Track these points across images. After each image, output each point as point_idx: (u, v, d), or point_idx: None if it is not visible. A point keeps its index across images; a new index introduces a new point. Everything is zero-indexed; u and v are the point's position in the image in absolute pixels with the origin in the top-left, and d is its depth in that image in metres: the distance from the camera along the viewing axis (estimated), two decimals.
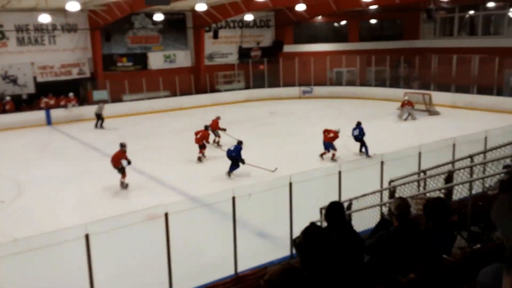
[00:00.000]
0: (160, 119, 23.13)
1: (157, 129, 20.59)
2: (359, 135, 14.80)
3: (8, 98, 22.70)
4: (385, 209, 7.58)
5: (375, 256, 4.01)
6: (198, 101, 27.03)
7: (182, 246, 7.45)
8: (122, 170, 11.92)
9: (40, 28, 23.63)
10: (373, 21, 30.05)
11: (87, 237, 5.65)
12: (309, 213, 7.49)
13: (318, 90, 27.04)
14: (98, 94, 24.73)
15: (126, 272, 7.56)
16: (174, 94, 27.02)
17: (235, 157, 12.78)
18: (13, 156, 16.43)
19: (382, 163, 8.91)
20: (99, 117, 21.54)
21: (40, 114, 22.75)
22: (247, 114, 23.64)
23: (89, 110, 23.08)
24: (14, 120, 21.95)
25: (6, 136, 20.18)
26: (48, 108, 23.11)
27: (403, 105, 20.86)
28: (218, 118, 17.40)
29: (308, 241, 3.00)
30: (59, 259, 7.18)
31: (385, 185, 8.34)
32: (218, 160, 14.55)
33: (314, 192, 8.58)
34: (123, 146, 12.28)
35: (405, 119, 20.62)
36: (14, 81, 23.55)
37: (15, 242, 6.40)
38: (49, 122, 22.85)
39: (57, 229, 7.14)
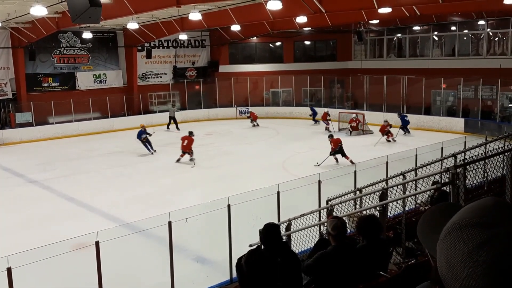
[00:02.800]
0: (90, 142, 22.09)
1: (87, 152, 19.61)
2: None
3: None
4: (323, 229, 7.55)
5: (315, 276, 3.98)
6: (131, 122, 26.13)
7: (115, 275, 6.97)
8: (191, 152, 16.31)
9: None
10: (307, 42, 30.89)
11: (9, 270, 5.09)
12: (248, 235, 7.29)
13: (254, 110, 27.17)
14: (21, 117, 23.26)
15: None
16: (105, 116, 26.01)
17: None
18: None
19: (319, 182, 8.94)
20: (173, 119, 25.17)
21: None
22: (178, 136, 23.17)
23: (13, 133, 21.59)
24: None
25: None
26: None
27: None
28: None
29: (249, 264, 2.85)
30: None
31: (323, 204, 8.35)
32: (151, 184, 14.08)
33: (254, 213, 8.42)
34: (192, 133, 16.95)
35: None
36: None
37: None
38: None
39: None
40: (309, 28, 27.01)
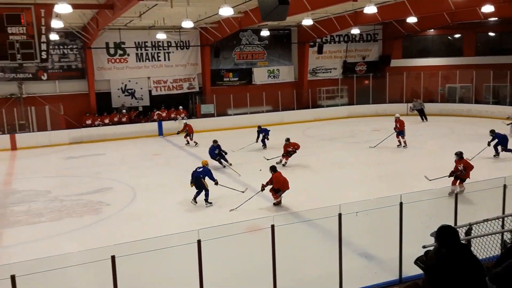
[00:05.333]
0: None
1: (258, 144, 20.87)
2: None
3: (124, 111, 24.65)
4: (509, 237, 6.83)
5: (504, 285, 3.67)
6: (299, 116, 27.06)
7: (284, 260, 7.37)
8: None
9: (156, 45, 25.45)
10: (491, 33, 27.88)
11: (199, 243, 5.82)
12: (420, 236, 6.99)
13: (427, 107, 25.62)
14: (205, 108, 25.89)
15: (232, 280, 7.62)
16: (276, 109, 27.35)
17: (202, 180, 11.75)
18: (128, 164, 17.68)
19: (504, 186, 8.08)
20: (422, 112, 24.89)
21: (153, 126, 24.34)
22: (348, 131, 23.11)
23: (197, 123, 24.21)
24: (130, 130, 23.73)
25: (122, 145, 21.87)
26: (160, 120, 24.67)
27: None
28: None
29: (439, 263, 2.78)
30: (171, 262, 7.44)
31: (508, 211, 7.54)
32: (317, 175, 14.39)
33: (424, 214, 8.02)
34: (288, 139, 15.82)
35: None
36: (132, 94, 25.54)
37: (133, 244, 6.77)
38: (160, 133, 24.33)
39: (166, 234, 7.47)
40: (495, 19, 24.29)
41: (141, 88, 25.71)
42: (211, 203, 11.69)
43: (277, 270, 6.38)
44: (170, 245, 6.14)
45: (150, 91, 25.91)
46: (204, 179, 11.72)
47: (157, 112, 24.95)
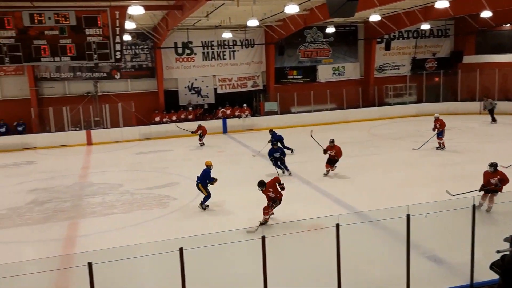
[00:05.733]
0: (325, 132, 23.21)
1: (322, 141, 20.66)
2: None
3: (190, 108, 25.34)
4: None
5: None
6: (365, 114, 26.50)
7: (348, 260, 7.28)
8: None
9: (222, 44, 25.94)
10: None
11: (263, 239, 5.87)
12: (493, 242, 6.64)
13: (503, 105, 24.14)
14: (269, 106, 26.03)
15: (295, 278, 7.64)
16: (341, 107, 26.96)
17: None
18: (193, 160, 18.18)
19: None
20: (491, 112, 23.24)
21: (217, 123, 24.84)
22: (417, 130, 22.29)
23: (260, 121, 24.41)
24: (195, 127, 24.33)
25: (188, 141, 22.50)
26: (224, 117, 25.13)
27: None
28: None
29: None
30: (235, 257, 7.57)
31: None
32: (384, 174, 14.04)
33: (497, 217, 7.60)
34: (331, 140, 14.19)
35: None
36: (198, 92, 26.23)
37: (199, 237, 6.98)
38: (225, 130, 24.79)
39: (230, 229, 7.59)
40: None
41: (207, 86, 26.33)
42: (205, 207, 11.47)
43: (341, 270, 6.32)
44: (235, 240, 6.27)
45: (215, 89, 26.47)
46: (201, 184, 11.53)
47: (222, 109, 25.43)
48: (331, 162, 14.06)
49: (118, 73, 24.63)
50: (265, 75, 26.96)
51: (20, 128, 22.83)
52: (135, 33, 23.45)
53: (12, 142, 22.03)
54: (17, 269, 7.18)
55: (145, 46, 24.83)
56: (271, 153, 14.55)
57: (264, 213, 9.94)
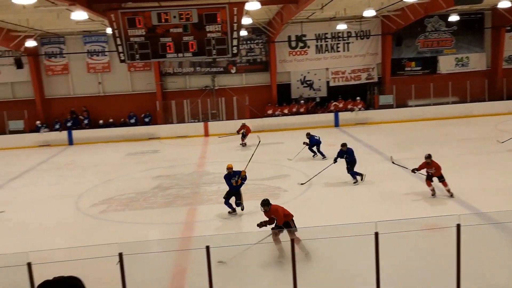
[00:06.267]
0: (446, 126, 21.81)
1: (442, 136, 19.46)
2: None
3: (302, 101, 25.44)
4: None
5: None
6: (491, 108, 24.33)
7: (467, 263, 6.81)
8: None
9: (336, 36, 25.60)
10: None
11: (376, 235, 5.77)
12: None
13: None
14: (383, 99, 25.17)
15: (409, 278, 7.36)
16: (464, 100, 25.09)
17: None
18: (304, 153, 18.27)
19: None
20: None
21: (329, 116, 24.63)
22: None
23: (375, 114, 23.68)
24: (307, 120, 24.41)
25: (299, 134, 22.60)
26: (336, 111, 24.83)
27: None
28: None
29: None
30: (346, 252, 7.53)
31: None
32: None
33: None
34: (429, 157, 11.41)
35: None
36: (310, 85, 26.24)
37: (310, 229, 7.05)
38: (336, 124, 24.50)
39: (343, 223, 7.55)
40: None
41: (319, 79, 26.21)
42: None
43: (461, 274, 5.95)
44: (346, 234, 6.21)
45: (327, 82, 26.25)
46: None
47: (334, 103, 25.15)
48: (431, 178, 11.51)
49: (234, 68, 25.59)
50: (380, 67, 26.06)
51: (147, 120, 24.91)
52: (250, 28, 24.15)
53: (140, 132, 24.12)
54: (143, 247, 7.90)
55: (260, 41, 25.45)
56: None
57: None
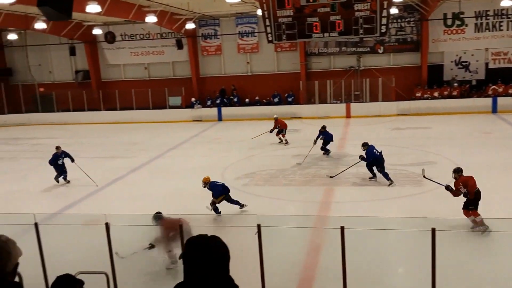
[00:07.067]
0: None
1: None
2: None
3: (456, 84, 23.50)
4: None
5: None
6: None
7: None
8: None
9: (499, 13, 22.97)
10: None
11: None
12: None
13: None
14: None
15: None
16: None
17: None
18: (454, 139, 17.00)
19: None
20: None
21: (486, 101, 22.43)
22: None
23: None
24: (460, 105, 22.58)
25: (449, 119, 21.09)
26: (495, 95, 22.48)
27: None
28: None
29: None
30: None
31: None
32: None
33: None
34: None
35: None
36: (466, 67, 24.09)
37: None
38: (494, 110, 22.22)
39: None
40: None
41: (477, 61, 23.89)
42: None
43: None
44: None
45: (486, 64, 23.81)
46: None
47: (493, 87, 22.78)
48: (468, 205, 8.57)
49: (382, 47, 24.66)
50: None
51: (289, 99, 25.48)
52: (402, 6, 22.97)
53: (283, 111, 24.73)
54: (280, 221, 8.25)
55: (412, 19, 24.04)
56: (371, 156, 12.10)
57: None
